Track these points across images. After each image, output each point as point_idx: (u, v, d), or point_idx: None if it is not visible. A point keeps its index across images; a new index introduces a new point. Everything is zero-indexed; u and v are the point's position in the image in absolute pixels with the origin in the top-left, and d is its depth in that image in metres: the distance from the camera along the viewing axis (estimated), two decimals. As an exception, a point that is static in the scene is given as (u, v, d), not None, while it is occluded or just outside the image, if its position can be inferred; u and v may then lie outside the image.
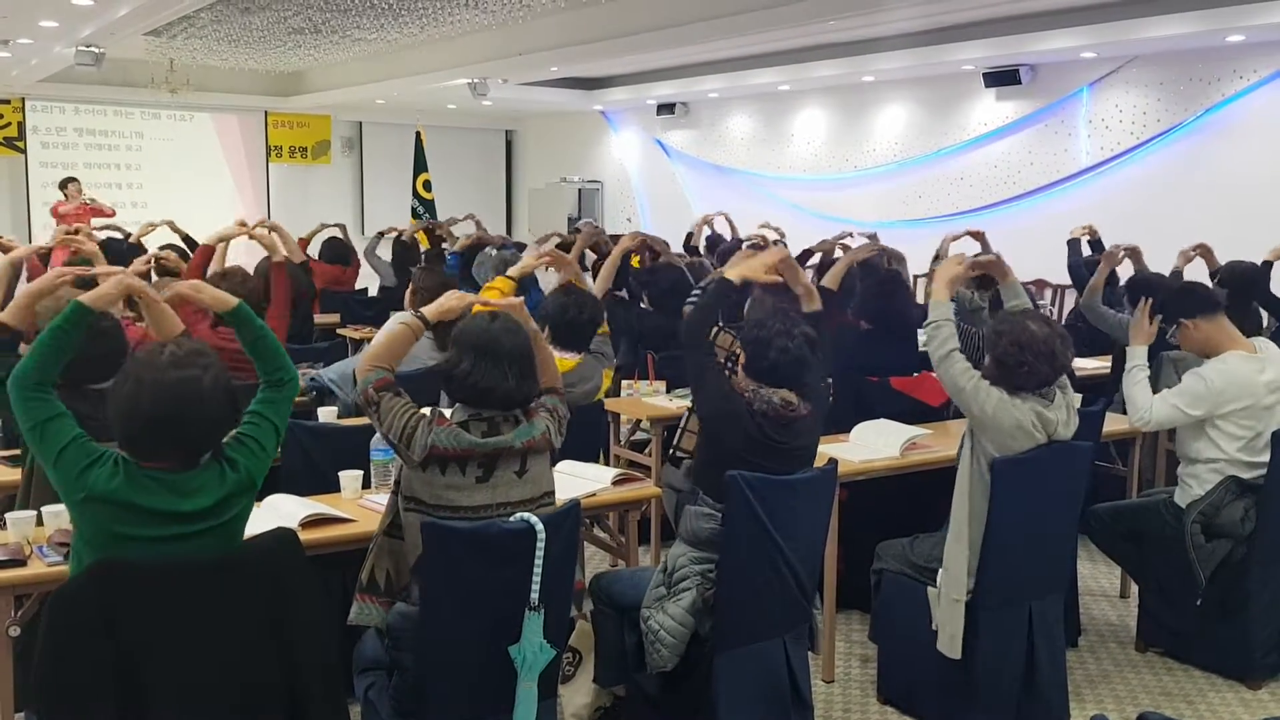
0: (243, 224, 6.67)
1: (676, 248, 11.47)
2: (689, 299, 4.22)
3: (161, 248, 7.33)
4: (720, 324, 4.79)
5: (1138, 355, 4.43)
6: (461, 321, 3.12)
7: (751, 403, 3.35)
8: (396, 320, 3.24)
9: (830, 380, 5.03)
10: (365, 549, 3.17)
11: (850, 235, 8.27)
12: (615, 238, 13.21)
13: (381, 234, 9.33)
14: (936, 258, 6.54)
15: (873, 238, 8.13)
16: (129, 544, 2.42)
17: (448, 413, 3.04)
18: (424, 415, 2.95)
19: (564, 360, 4.46)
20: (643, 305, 6.67)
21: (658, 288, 6.22)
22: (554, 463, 3.16)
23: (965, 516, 3.59)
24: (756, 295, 5.06)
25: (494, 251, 7.67)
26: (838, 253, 7.81)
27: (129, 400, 2.44)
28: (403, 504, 2.97)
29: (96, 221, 12.93)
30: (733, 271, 3.72)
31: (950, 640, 3.59)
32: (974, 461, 3.60)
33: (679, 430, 4.74)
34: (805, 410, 3.42)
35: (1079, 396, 5.00)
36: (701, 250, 9.65)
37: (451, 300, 3.23)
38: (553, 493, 3.11)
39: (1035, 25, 9.71)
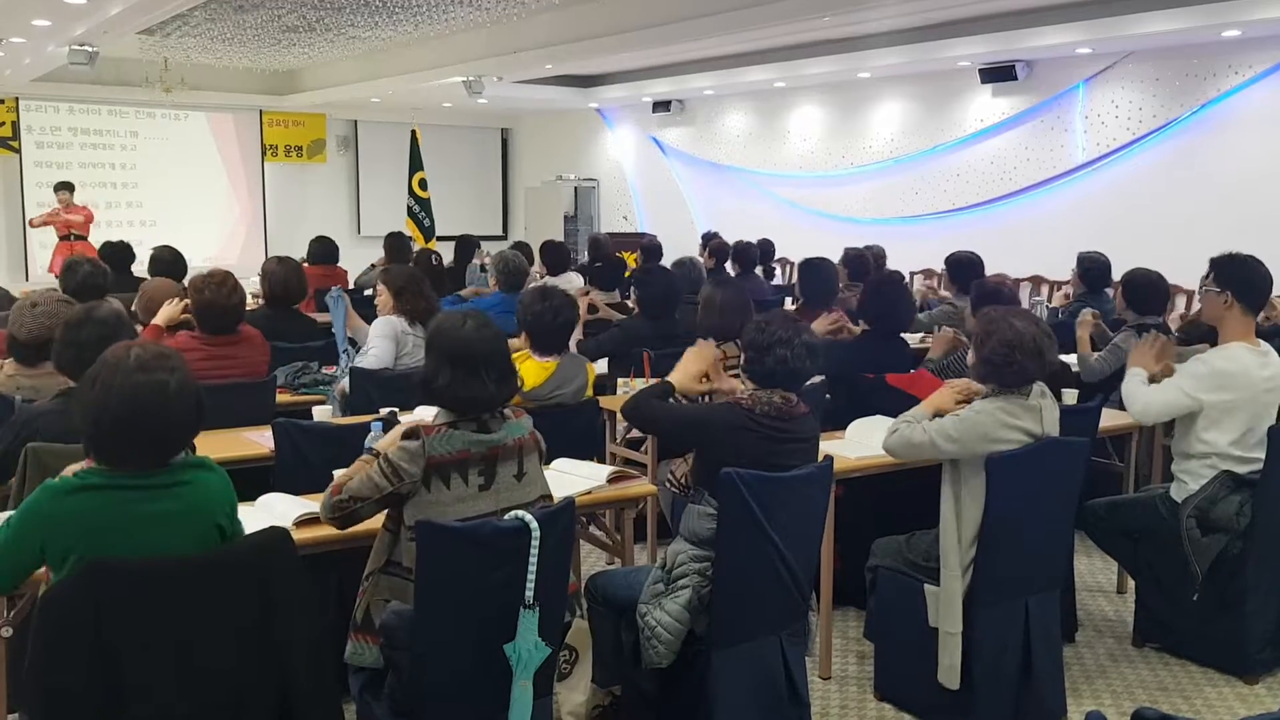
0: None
1: (674, 246, 11.50)
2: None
3: (158, 249, 7.31)
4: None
5: (1136, 373, 4.44)
6: (434, 323, 3.09)
7: (753, 409, 3.36)
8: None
9: (825, 378, 5.04)
10: (361, 548, 3.16)
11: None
12: (613, 235, 13.25)
13: (374, 265, 9.38)
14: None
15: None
16: (106, 532, 2.42)
17: (427, 415, 3.03)
18: (384, 453, 2.93)
19: (545, 364, 4.44)
20: (630, 304, 6.67)
21: (650, 290, 6.19)
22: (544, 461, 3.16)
23: (954, 545, 3.60)
24: (705, 294, 5.06)
25: (504, 250, 7.63)
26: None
27: (96, 404, 2.43)
28: (406, 535, 2.93)
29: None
30: (675, 378, 3.85)
31: (949, 671, 3.60)
32: (952, 495, 3.63)
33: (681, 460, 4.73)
34: (804, 408, 3.44)
35: (1075, 393, 5.02)
36: (701, 254, 9.64)
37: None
38: (549, 496, 3.11)
39: (1031, 21, 9.72)
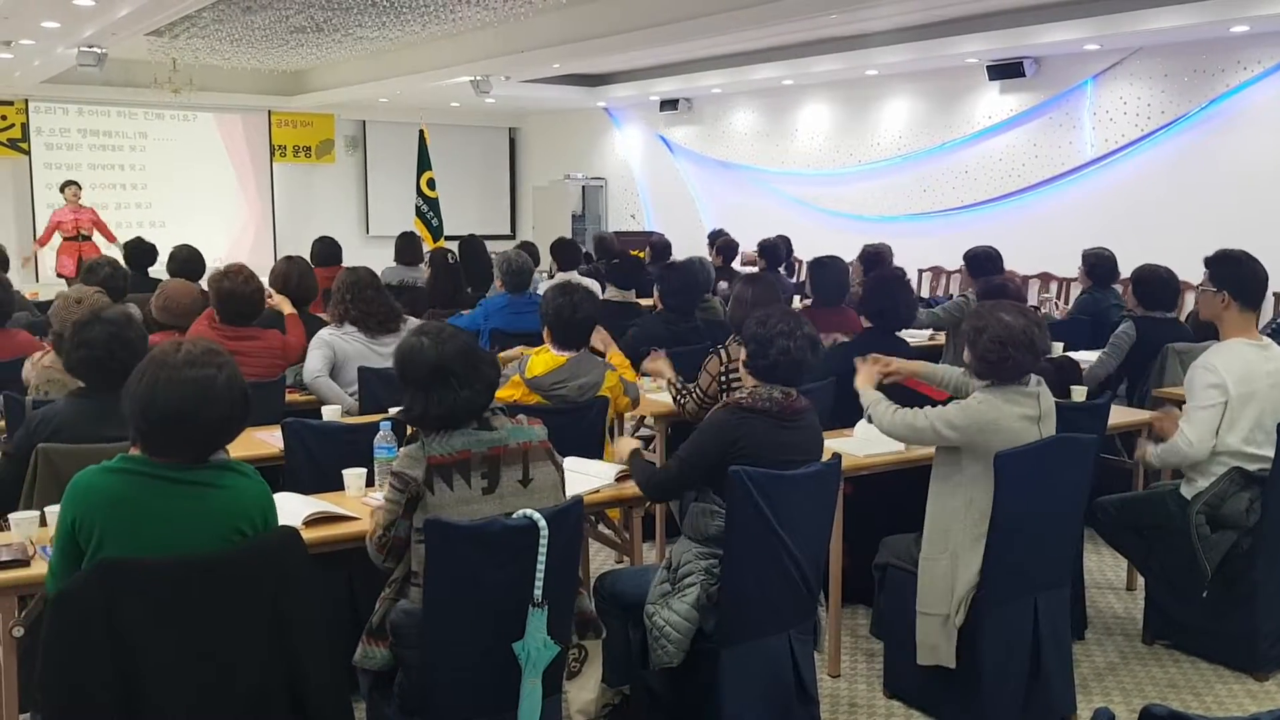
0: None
1: (682, 244, 11.50)
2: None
3: (176, 247, 7.32)
4: (711, 346, 4.83)
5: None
6: (398, 351, 3.06)
7: (753, 404, 3.36)
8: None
9: (833, 377, 5.04)
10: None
11: None
12: (621, 234, 13.24)
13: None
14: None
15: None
16: (132, 515, 2.45)
17: None
18: (390, 470, 2.95)
19: (556, 357, 4.44)
20: (643, 303, 6.67)
21: (671, 286, 6.21)
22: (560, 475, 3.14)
23: (942, 529, 3.62)
24: (738, 291, 5.06)
25: (507, 251, 7.64)
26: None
27: (145, 397, 2.47)
28: (415, 538, 2.93)
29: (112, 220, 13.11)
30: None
31: (930, 651, 3.63)
32: (953, 476, 3.63)
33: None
34: (805, 402, 3.44)
35: (1084, 389, 5.02)
36: (709, 253, 9.64)
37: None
38: None
39: (1038, 17, 9.69)
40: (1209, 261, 4.36)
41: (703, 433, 3.44)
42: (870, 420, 3.92)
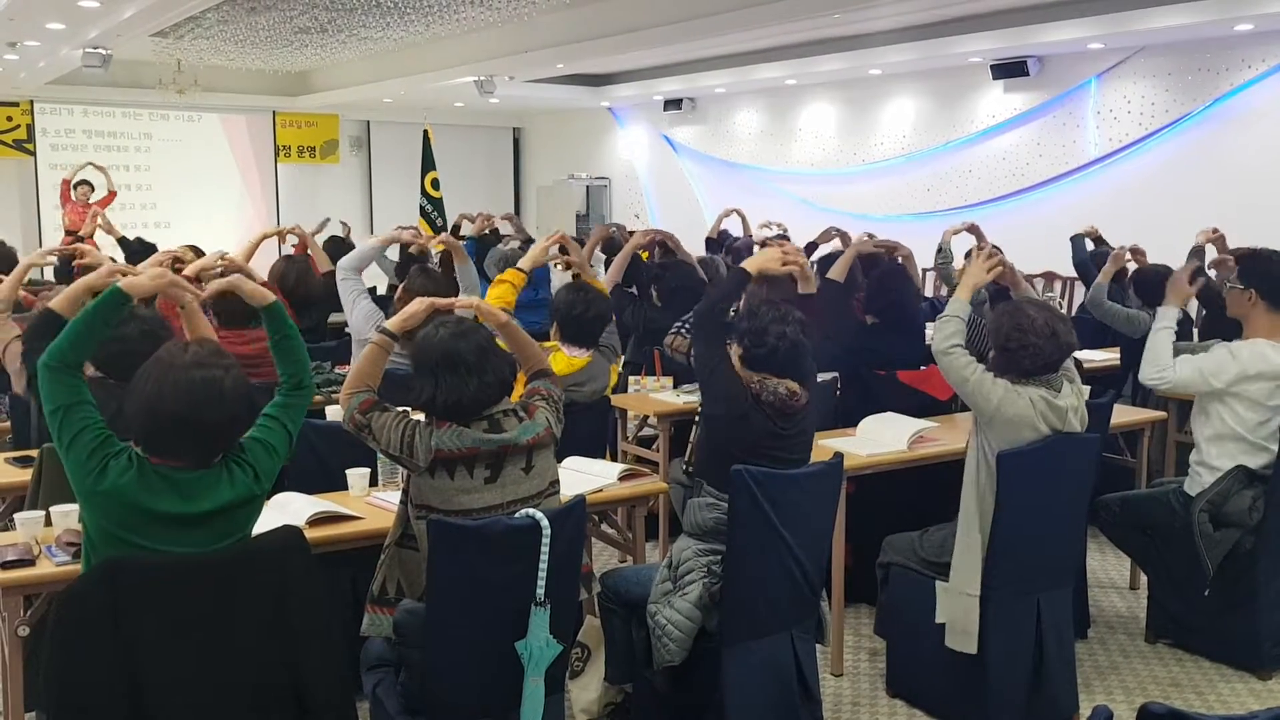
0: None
1: (686, 245, 11.49)
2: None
3: (180, 248, 7.34)
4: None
5: (1168, 316, 4.31)
6: (415, 340, 3.10)
7: (760, 394, 3.36)
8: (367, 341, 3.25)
9: (836, 375, 5.04)
10: (373, 546, 3.19)
11: (843, 232, 8.25)
12: (631, 233, 13.25)
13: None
14: (939, 250, 6.53)
15: (870, 237, 8.13)
16: (131, 546, 2.44)
17: None
18: (419, 421, 2.96)
19: (574, 360, 4.45)
20: (653, 301, 6.65)
21: (667, 284, 6.22)
22: (557, 450, 3.18)
23: (974, 511, 3.59)
24: (751, 288, 5.06)
25: (502, 247, 7.70)
26: (836, 244, 7.85)
27: (151, 397, 2.48)
28: (414, 513, 2.98)
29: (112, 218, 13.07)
30: (751, 264, 3.70)
31: (964, 637, 3.59)
32: (980, 456, 3.61)
33: (690, 446, 4.73)
34: (805, 399, 3.44)
35: (1087, 389, 5.01)
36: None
37: (414, 307, 3.23)
38: (557, 481, 3.13)
39: (1042, 16, 9.68)
40: (1240, 259, 4.36)
41: (721, 384, 3.43)
42: (936, 326, 3.74)
